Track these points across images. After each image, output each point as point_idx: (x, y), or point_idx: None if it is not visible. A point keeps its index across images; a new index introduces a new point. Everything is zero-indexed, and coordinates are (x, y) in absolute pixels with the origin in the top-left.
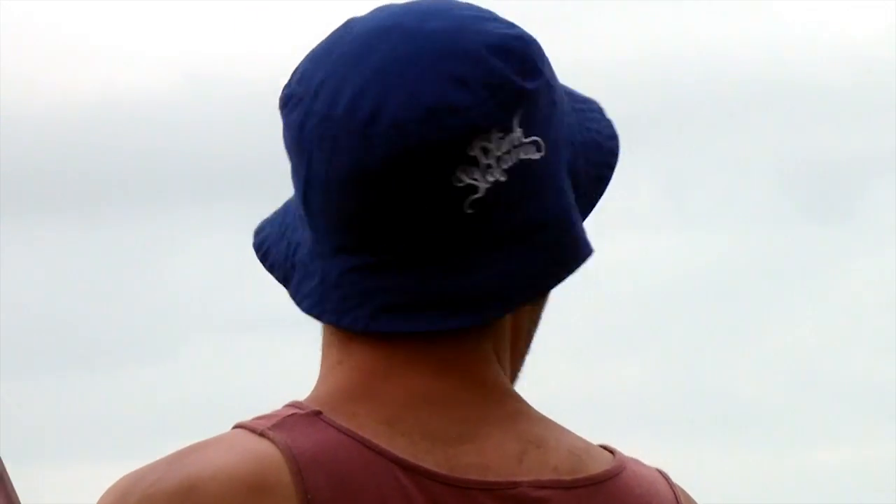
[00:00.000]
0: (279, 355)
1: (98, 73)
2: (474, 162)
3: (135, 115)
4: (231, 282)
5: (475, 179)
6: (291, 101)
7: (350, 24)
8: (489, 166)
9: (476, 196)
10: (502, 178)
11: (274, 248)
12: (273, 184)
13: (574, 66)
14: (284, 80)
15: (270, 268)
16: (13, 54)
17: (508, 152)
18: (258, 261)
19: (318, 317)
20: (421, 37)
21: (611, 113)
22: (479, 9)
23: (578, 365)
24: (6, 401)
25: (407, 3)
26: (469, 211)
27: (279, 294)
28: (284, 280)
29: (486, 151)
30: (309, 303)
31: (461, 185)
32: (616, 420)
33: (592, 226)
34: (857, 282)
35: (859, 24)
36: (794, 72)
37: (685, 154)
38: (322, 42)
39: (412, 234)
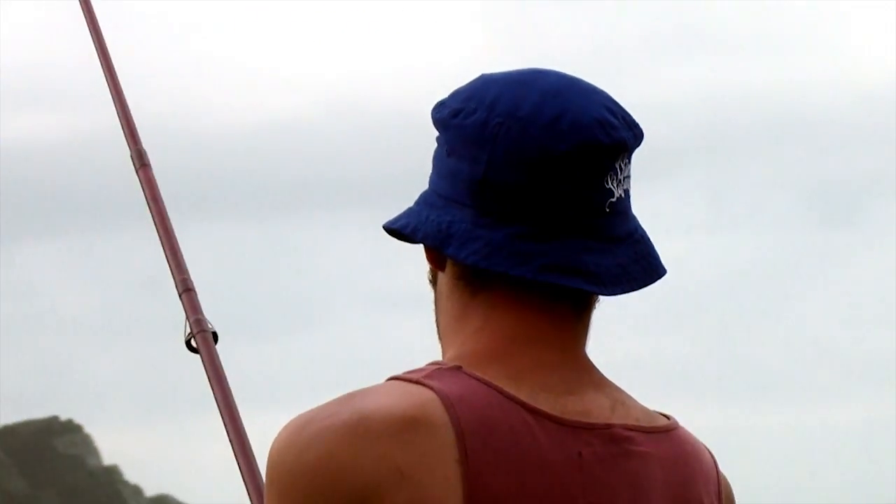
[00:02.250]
0: (404, 326)
1: (259, 98)
2: (616, 174)
3: (290, 134)
4: (366, 269)
5: (613, 187)
6: (463, 112)
7: (489, 75)
8: (620, 181)
9: (612, 200)
10: (622, 195)
11: (422, 227)
12: (398, 192)
13: (642, 103)
14: (407, 111)
15: (423, 238)
16: (196, 83)
17: (626, 177)
18: (405, 237)
19: (486, 268)
20: (571, 78)
21: (669, 140)
22: None
23: (636, 339)
24: (182, 368)
25: (548, 79)
26: (607, 210)
27: (402, 279)
28: (440, 245)
29: (621, 169)
30: (475, 258)
31: (607, 186)
32: (664, 384)
33: (650, 226)
34: (862, 275)
35: (868, 71)
36: (814, 109)
37: (726, 173)
38: (468, 86)
39: (568, 214)
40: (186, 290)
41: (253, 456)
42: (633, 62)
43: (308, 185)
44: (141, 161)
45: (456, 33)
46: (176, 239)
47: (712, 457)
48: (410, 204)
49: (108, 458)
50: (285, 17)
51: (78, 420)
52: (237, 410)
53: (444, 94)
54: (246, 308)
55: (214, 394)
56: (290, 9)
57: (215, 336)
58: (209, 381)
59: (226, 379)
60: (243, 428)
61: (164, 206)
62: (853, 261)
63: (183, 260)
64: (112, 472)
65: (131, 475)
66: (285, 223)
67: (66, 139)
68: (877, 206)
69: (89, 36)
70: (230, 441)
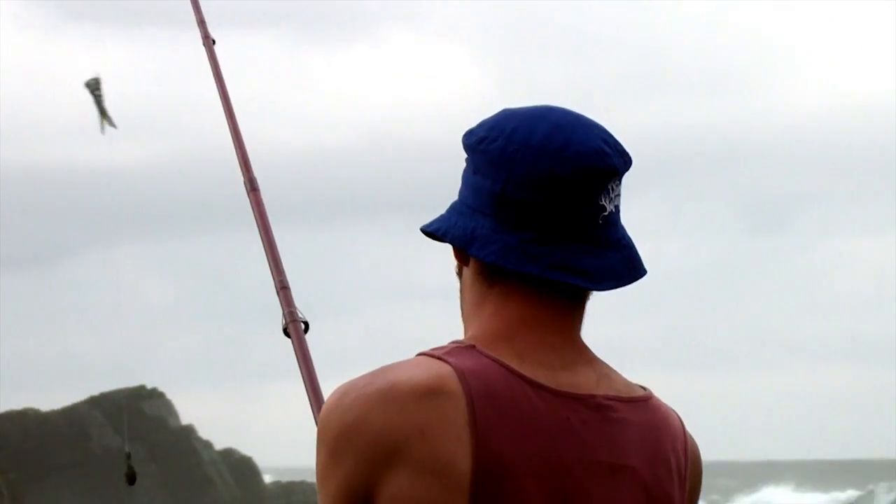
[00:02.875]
0: (427, 312)
1: (308, 132)
2: (608, 193)
3: (333, 161)
4: (397, 267)
5: (606, 203)
6: (487, 139)
7: (510, 109)
8: (611, 199)
9: (605, 214)
10: (613, 210)
11: (451, 230)
12: (424, 205)
13: (616, 132)
14: (429, 141)
15: (452, 240)
16: (268, 121)
17: (617, 195)
18: (438, 237)
19: (501, 265)
20: (575, 114)
21: (639, 163)
22: None
23: (610, 323)
24: (244, 350)
25: (557, 114)
26: (600, 221)
27: (426, 277)
28: (465, 245)
29: (613, 189)
30: (493, 258)
31: (600, 203)
32: (633, 360)
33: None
34: (787, 272)
35: (792, 111)
36: (752, 139)
37: (683, 189)
38: (493, 117)
39: (568, 225)
40: (283, 287)
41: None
42: (607, 98)
43: (355, 200)
44: (252, 186)
45: (457, 76)
46: (276, 247)
47: (681, 422)
48: (429, 213)
49: (185, 419)
50: (334, 72)
51: (161, 388)
52: (318, 383)
53: (451, 125)
54: (314, 299)
55: (301, 371)
56: (337, 66)
57: (306, 325)
58: (297, 360)
59: (311, 359)
60: (322, 396)
61: (269, 222)
62: (781, 261)
63: (281, 263)
64: (188, 430)
65: (204, 432)
66: (339, 230)
67: (186, 161)
68: (800, 218)
69: (213, 81)
70: (311, 405)
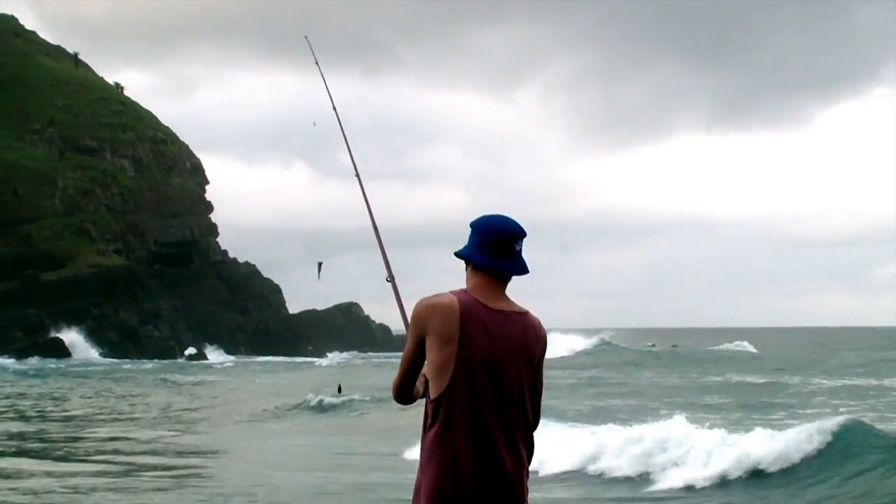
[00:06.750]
0: (451, 278)
1: (404, 214)
2: (518, 243)
3: (412, 228)
4: (439, 263)
5: (517, 246)
6: (479, 230)
7: (487, 216)
8: (519, 244)
9: (517, 250)
10: (520, 248)
11: (466, 254)
12: (451, 244)
13: (517, 217)
14: (447, 223)
15: (466, 259)
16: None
17: (521, 242)
18: (460, 258)
19: (481, 265)
20: (505, 218)
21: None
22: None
23: (514, 286)
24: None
25: (503, 216)
26: (514, 253)
27: (455, 267)
28: (469, 258)
29: (520, 241)
30: (479, 263)
31: (515, 246)
32: (521, 300)
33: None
34: (569, 269)
35: (576, 210)
36: (557, 221)
37: (535, 238)
38: (481, 219)
39: (504, 254)
40: (390, 271)
41: (406, 313)
42: (510, 208)
43: (414, 242)
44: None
45: (461, 201)
46: (391, 268)
47: (539, 321)
48: (455, 246)
49: (366, 313)
50: (414, 198)
51: (360, 302)
52: (402, 303)
53: (461, 219)
54: (407, 272)
55: (396, 295)
56: (414, 198)
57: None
58: (394, 293)
59: (398, 289)
60: (404, 306)
61: (389, 262)
62: (566, 264)
63: (388, 260)
64: (368, 318)
65: (373, 317)
66: (413, 252)
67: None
68: (575, 248)
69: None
70: (399, 307)
